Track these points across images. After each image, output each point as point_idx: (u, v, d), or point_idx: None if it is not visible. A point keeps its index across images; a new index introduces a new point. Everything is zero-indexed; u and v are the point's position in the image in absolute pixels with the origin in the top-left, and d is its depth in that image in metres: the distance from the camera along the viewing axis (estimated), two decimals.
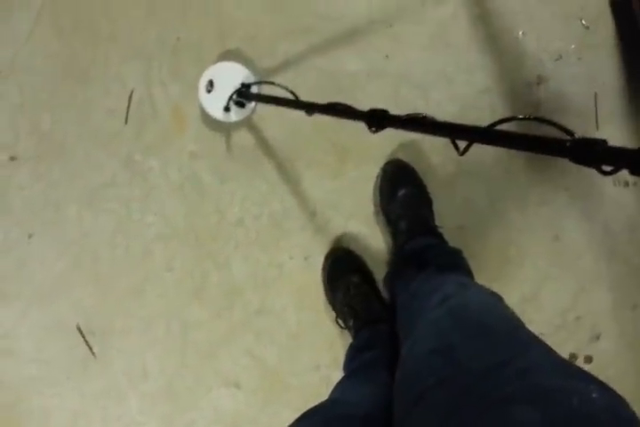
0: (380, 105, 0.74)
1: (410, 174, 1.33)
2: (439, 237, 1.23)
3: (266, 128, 1.40)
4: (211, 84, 1.37)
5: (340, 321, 1.30)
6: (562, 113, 1.38)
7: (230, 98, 1.33)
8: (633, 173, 0.42)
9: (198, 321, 1.41)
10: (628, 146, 0.43)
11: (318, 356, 1.39)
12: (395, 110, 0.71)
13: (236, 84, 1.34)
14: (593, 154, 0.46)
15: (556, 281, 1.39)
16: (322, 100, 0.89)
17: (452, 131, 0.61)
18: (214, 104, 1.38)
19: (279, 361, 1.39)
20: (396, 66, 1.37)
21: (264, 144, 1.40)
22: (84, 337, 1.43)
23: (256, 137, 1.41)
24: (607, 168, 0.45)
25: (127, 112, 1.42)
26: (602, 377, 0.51)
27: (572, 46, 1.37)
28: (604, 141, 0.46)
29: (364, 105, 0.77)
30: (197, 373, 1.41)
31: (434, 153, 1.37)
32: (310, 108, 0.92)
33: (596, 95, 1.37)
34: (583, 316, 1.40)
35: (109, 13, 1.41)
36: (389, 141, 1.37)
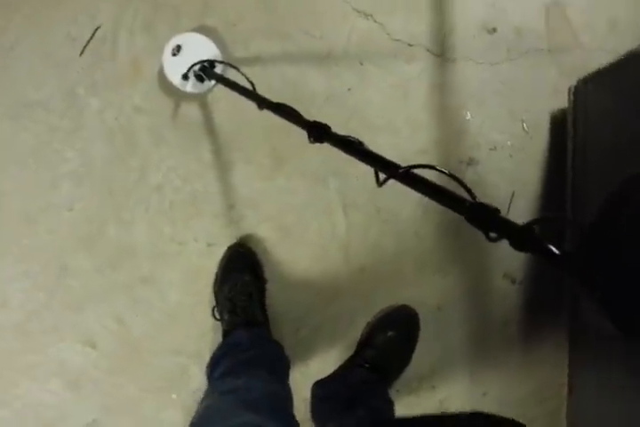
0: None
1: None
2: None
3: (217, 111, 1.39)
4: (178, 48, 1.34)
5: (217, 312, 1.32)
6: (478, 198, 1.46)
7: (191, 67, 1.31)
8: (512, 244, 0.48)
9: (79, 269, 1.37)
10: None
11: (184, 343, 1.39)
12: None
13: (202, 58, 1.32)
14: (484, 218, 0.52)
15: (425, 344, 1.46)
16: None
17: (377, 162, 0.67)
18: (175, 69, 1.35)
19: (144, 336, 1.38)
20: (355, 100, 1.42)
21: (209, 125, 1.39)
22: None
23: (204, 115, 1.39)
24: (493, 235, 0.51)
25: (86, 45, 1.35)
26: None
27: (508, 143, 1.47)
28: (497, 210, 0.52)
29: None
30: (58, 320, 1.38)
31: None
32: (263, 102, 0.95)
33: (513, 193, 1.47)
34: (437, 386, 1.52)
35: None
36: (325, 167, 1.41)
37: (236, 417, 0.82)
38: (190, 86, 1.36)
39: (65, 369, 1.38)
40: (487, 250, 1.48)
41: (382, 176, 0.66)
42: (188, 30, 1.36)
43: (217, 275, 1.38)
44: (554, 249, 0.43)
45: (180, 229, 1.39)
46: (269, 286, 1.39)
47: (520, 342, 1.55)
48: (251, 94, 1.01)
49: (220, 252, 1.39)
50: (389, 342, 1.35)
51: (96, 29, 1.35)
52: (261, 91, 1.02)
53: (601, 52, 1.45)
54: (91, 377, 1.38)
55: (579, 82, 1.38)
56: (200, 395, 1.10)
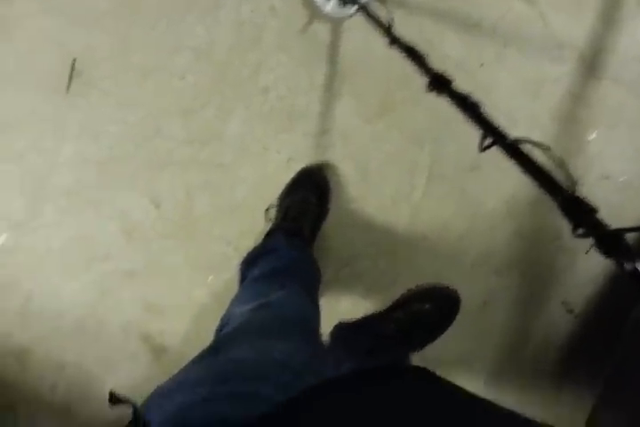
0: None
1: None
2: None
3: (346, 39, 1.43)
4: None
5: (271, 212, 1.40)
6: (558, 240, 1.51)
7: None
8: (597, 246, 0.46)
9: (171, 135, 1.46)
10: None
11: (237, 236, 1.48)
12: None
13: None
14: (578, 212, 0.50)
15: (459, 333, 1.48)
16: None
17: (488, 126, 0.65)
18: None
19: (204, 216, 1.48)
20: (484, 78, 1.45)
21: (334, 50, 1.43)
22: (72, 72, 1.45)
23: (332, 39, 1.43)
24: (581, 231, 0.49)
25: None
26: None
27: (622, 178, 1.48)
28: (595, 210, 0.50)
29: None
30: (137, 172, 1.47)
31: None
32: (396, 41, 0.94)
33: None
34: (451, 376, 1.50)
35: None
36: (427, 130, 1.46)
37: (269, 346, 0.76)
38: (330, 7, 1.39)
39: (125, 217, 1.49)
40: (555, 272, 1.51)
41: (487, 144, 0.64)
42: None
43: (286, 186, 1.44)
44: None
45: (270, 136, 1.47)
46: (329, 220, 1.46)
47: (551, 370, 1.59)
48: (386, 31, 0.99)
49: (296, 168, 1.47)
50: (424, 313, 1.35)
51: None
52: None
53: None
54: (144, 233, 1.49)
55: None
56: (233, 286, 1.21)
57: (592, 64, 1.44)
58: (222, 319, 0.99)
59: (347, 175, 1.49)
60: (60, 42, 1.44)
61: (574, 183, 0.53)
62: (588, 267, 1.53)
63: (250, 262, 1.21)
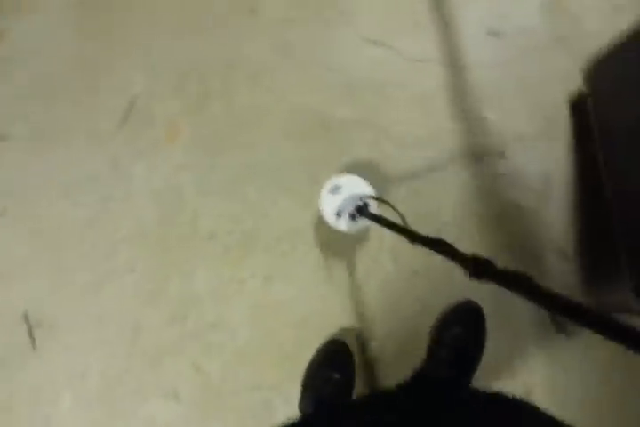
0: None
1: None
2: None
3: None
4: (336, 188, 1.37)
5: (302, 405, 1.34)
6: (515, 187, 1.50)
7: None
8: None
9: (150, 326, 1.40)
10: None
11: (262, 377, 1.38)
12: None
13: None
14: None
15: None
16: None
17: (553, 303, 0.55)
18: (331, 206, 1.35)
19: (223, 378, 1.38)
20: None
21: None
22: (29, 327, 1.41)
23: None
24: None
25: (124, 118, 1.49)
26: None
27: (533, 133, 1.51)
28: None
29: None
30: (139, 380, 1.38)
31: None
32: (416, 238, 0.88)
33: (548, 175, 1.50)
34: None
35: None
36: None
37: None
38: (344, 225, 1.34)
39: (154, 422, 1.37)
40: None
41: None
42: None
43: (309, 366, 1.38)
44: None
45: (238, 269, 1.42)
46: None
47: None
48: (403, 231, 0.95)
49: (277, 283, 1.41)
50: (458, 338, 1.34)
51: (131, 101, 1.48)
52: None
53: (606, 33, 1.45)
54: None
55: (590, 64, 1.41)
56: None
57: (453, 61, 1.54)
58: None
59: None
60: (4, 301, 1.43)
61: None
62: None
63: None
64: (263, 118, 1.49)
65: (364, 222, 1.32)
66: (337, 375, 1.32)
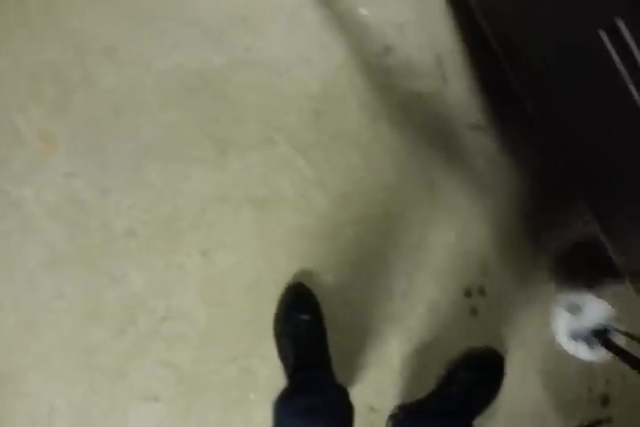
0: None
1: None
2: None
3: None
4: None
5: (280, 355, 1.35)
6: (411, 77, 1.50)
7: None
8: None
9: (100, 343, 1.33)
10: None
11: (233, 348, 1.36)
12: None
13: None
14: None
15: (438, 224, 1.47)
16: None
17: None
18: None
19: (194, 363, 1.35)
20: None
21: None
22: None
23: None
24: None
25: None
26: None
27: (412, 18, 1.50)
28: None
29: None
30: (111, 396, 1.32)
31: None
32: None
33: (439, 56, 1.51)
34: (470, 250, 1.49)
35: None
36: None
37: None
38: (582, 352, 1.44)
39: None
40: None
41: None
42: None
43: (277, 316, 1.39)
44: None
45: (171, 255, 1.37)
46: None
47: None
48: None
49: (217, 255, 1.38)
50: (476, 381, 1.39)
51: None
52: None
53: None
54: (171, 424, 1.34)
55: None
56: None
57: None
58: None
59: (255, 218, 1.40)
60: None
61: None
62: None
63: (281, 404, 1.14)
64: (135, 95, 1.41)
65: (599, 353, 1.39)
66: (306, 317, 1.34)
